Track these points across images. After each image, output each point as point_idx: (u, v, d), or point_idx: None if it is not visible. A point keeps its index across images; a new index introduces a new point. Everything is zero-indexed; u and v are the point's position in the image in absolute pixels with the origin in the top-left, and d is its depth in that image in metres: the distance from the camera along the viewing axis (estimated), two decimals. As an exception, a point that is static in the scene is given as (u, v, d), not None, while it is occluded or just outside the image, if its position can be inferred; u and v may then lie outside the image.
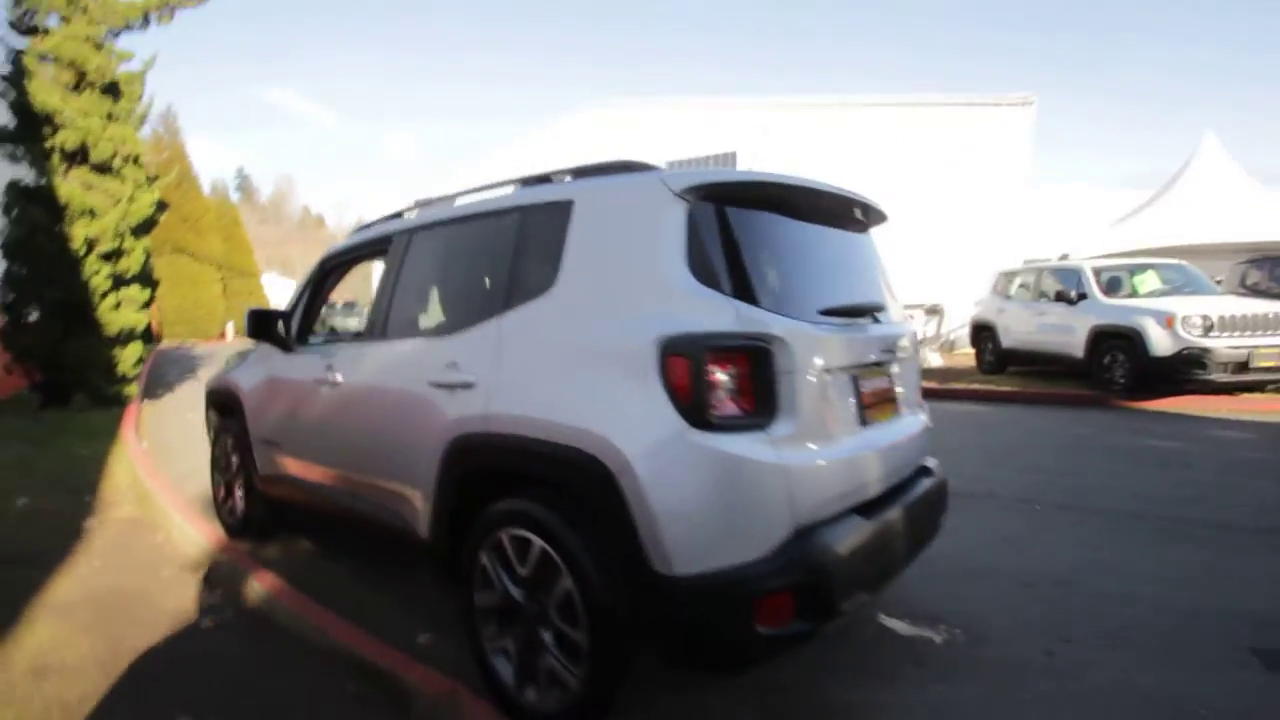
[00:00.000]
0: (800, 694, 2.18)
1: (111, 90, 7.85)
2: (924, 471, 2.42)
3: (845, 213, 2.29)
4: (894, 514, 2.03)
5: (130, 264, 8.04)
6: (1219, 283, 9.02)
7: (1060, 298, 8.62)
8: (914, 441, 2.33)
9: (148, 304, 8.41)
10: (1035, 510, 4.09)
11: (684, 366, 1.67)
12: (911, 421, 2.37)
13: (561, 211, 2.10)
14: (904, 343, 2.35)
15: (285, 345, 3.23)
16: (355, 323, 22.17)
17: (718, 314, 1.75)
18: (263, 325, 3.17)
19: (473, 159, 24.46)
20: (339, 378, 2.77)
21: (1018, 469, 5.07)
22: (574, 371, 1.88)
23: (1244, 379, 6.96)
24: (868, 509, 1.97)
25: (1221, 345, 6.90)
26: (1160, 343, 7.16)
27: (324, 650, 2.38)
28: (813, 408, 1.82)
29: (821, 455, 1.82)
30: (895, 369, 2.29)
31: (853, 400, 2.01)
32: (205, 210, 27.00)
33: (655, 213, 1.87)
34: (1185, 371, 7.03)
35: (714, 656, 1.69)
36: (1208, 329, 6.97)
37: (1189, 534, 3.61)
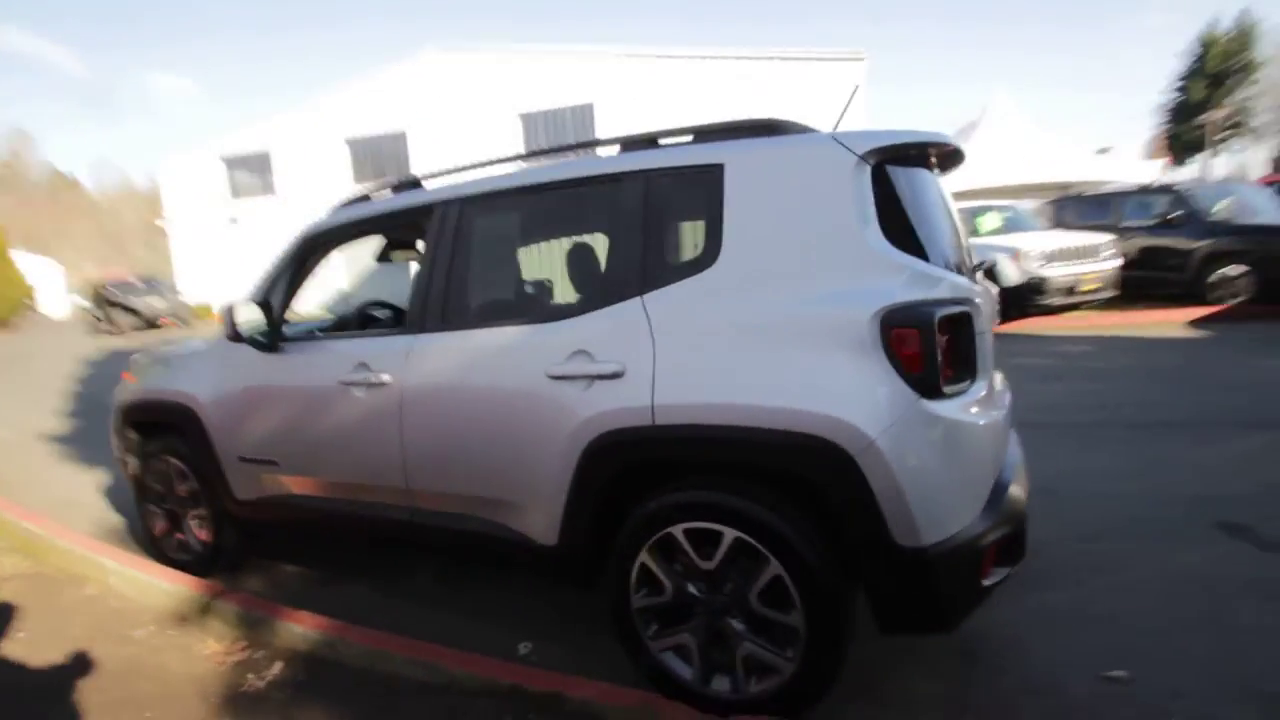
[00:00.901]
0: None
1: None
2: None
3: (943, 161, 2.25)
4: (1017, 450, 2.21)
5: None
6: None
7: (922, 239, 9.66)
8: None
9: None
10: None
11: (913, 337, 1.65)
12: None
13: (708, 176, 1.92)
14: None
15: (268, 344, 2.67)
16: (163, 304, 18.95)
17: (926, 281, 1.74)
18: (232, 322, 2.58)
19: (288, 106, 21.41)
20: (385, 378, 2.36)
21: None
22: (767, 351, 1.76)
23: (1071, 301, 8.37)
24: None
25: (1056, 274, 8.22)
26: (1010, 274, 8.35)
27: (442, 686, 2.09)
28: (987, 366, 1.90)
29: (998, 409, 1.92)
30: None
31: (989, 355, 2.12)
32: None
33: (840, 177, 1.78)
34: (1030, 298, 8.29)
35: (943, 616, 1.74)
36: (1046, 260, 8.25)
37: (1107, 436, 4.33)
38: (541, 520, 2.12)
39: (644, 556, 1.97)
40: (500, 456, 2.15)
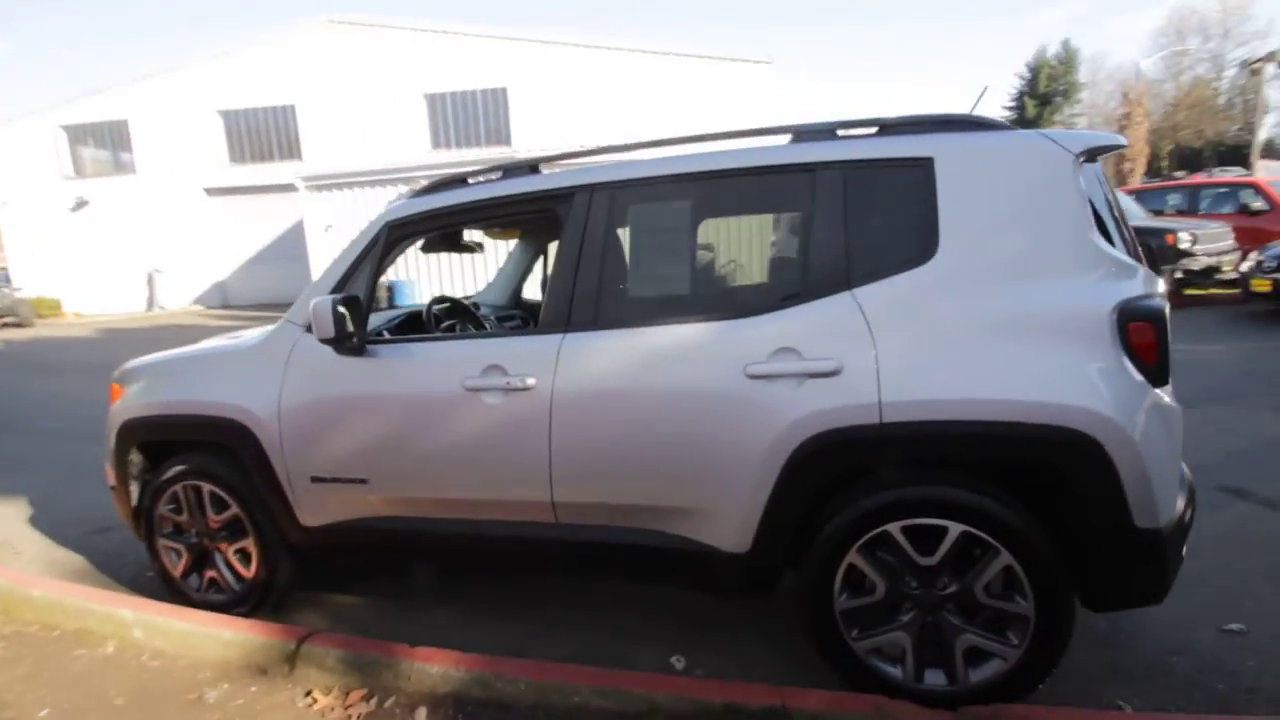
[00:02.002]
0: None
1: None
2: None
3: None
4: None
5: None
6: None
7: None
8: None
9: None
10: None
11: (1147, 330, 1.74)
12: None
13: (917, 169, 1.90)
14: None
15: (354, 346, 2.33)
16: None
17: (1130, 273, 1.83)
18: (345, 321, 2.23)
19: (149, 74, 18.82)
20: (530, 382, 2.13)
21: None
22: (1005, 345, 1.78)
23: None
24: None
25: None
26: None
27: (641, 715, 1.94)
28: None
29: None
30: None
31: None
32: None
33: (1062, 174, 1.83)
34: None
35: (1162, 589, 1.85)
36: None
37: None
38: (732, 527, 2.02)
39: (853, 556, 1.93)
40: (685, 462, 2.03)
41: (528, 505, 2.24)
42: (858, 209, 1.94)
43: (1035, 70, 47.72)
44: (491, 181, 2.40)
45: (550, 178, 2.28)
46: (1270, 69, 22.15)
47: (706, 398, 1.98)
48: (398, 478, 2.37)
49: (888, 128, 2.05)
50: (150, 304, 19.60)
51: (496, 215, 2.40)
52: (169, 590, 2.79)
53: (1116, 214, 1.97)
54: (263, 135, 18.81)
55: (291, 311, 2.55)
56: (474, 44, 17.51)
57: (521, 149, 15.99)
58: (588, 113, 17.27)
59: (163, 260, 19.15)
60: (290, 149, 18.81)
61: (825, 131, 2.08)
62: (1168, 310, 1.78)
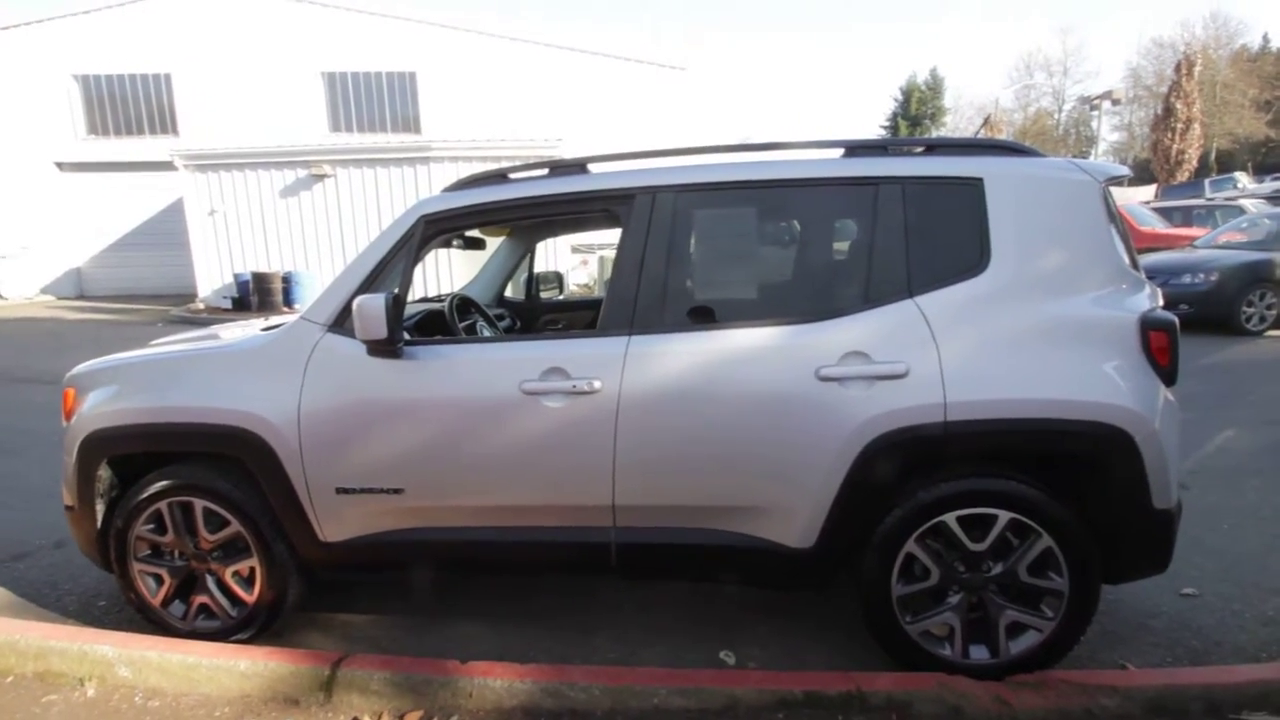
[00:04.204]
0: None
1: None
2: None
3: None
4: None
5: None
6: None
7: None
8: None
9: None
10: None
11: (1163, 337, 2.00)
12: None
13: (969, 188, 2.07)
14: None
15: (390, 348, 2.19)
16: None
17: (1147, 288, 2.10)
18: (399, 322, 2.09)
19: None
20: (596, 385, 2.10)
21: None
22: (1052, 350, 1.98)
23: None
24: None
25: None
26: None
27: (725, 710, 1.97)
28: None
29: None
30: None
31: None
32: None
33: (1092, 199, 2.06)
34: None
35: (1168, 559, 2.12)
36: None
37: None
38: (798, 523, 2.10)
39: (911, 546, 2.07)
40: (755, 462, 2.08)
41: (584, 510, 2.21)
42: (916, 222, 2.08)
43: (907, 94, 52.01)
44: (539, 179, 2.33)
45: (607, 177, 2.26)
46: (1106, 105, 25.56)
47: (779, 399, 2.05)
48: (439, 486, 2.25)
49: (934, 148, 2.22)
50: (-15, 293, 16.95)
51: (544, 213, 2.34)
52: (147, 620, 2.49)
53: (1124, 233, 2.25)
54: (130, 106, 16.75)
55: (310, 310, 2.35)
56: (379, 24, 16.56)
57: (432, 137, 15.29)
58: (504, 104, 16.85)
59: (2, 243, 16.63)
60: (164, 123, 16.92)
61: (877, 148, 2.21)
62: (1177, 320, 2.06)
